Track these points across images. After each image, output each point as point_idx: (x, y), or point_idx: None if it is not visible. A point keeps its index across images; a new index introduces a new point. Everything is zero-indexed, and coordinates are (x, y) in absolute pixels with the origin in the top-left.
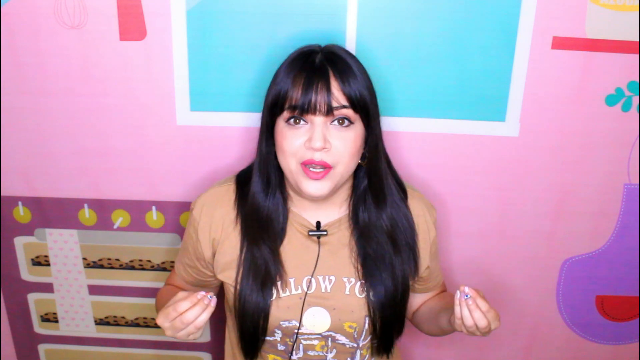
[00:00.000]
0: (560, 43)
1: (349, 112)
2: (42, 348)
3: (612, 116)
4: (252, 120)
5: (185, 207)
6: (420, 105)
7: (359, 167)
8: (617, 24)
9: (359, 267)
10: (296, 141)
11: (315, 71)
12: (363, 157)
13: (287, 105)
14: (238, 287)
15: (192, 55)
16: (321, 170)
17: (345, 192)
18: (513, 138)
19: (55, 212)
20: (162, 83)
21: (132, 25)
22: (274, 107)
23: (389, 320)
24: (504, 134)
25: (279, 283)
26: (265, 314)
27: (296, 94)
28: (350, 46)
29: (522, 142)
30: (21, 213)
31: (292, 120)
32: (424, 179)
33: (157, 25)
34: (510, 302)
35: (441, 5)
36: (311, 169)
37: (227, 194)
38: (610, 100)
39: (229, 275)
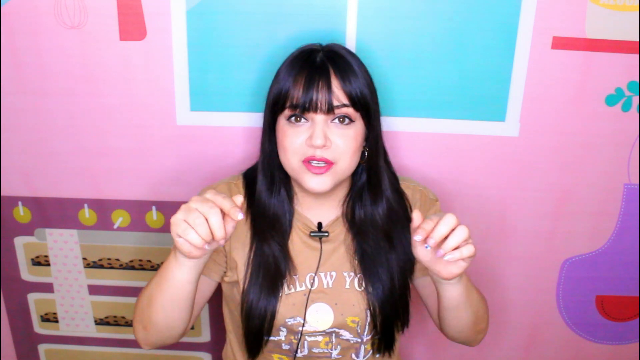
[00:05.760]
0: (560, 43)
1: (350, 111)
2: (42, 348)
3: (612, 116)
4: (253, 120)
5: None
6: (420, 105)
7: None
8: (617, 24)
9: (357, 263)
10: (297, 139)
11: (317, 69)
12: (363, 155)
13: (288, 104)
14: (246, 285)
15: (192, 55)
16: (323, 165)
17: (344, 190)
18: (513, 138)
19: (55, 212)
20: (162, 83)
21: (132, 25)
22: (276, 106)
23: (389, 316)
24: (504, 134)
25: (285, 280)
26: (272, 311)
27: (297, 93)
28: (350, 46)
29: (522, 142)
30: (21, 213)
31: (293, 118)
32: (424, 179)
33: (157, 25)
34: (510, 302)
35: (441, 5)
36: (313, 164)
37: (237, 190)
38: (610, 100)
39: (236, 274)
